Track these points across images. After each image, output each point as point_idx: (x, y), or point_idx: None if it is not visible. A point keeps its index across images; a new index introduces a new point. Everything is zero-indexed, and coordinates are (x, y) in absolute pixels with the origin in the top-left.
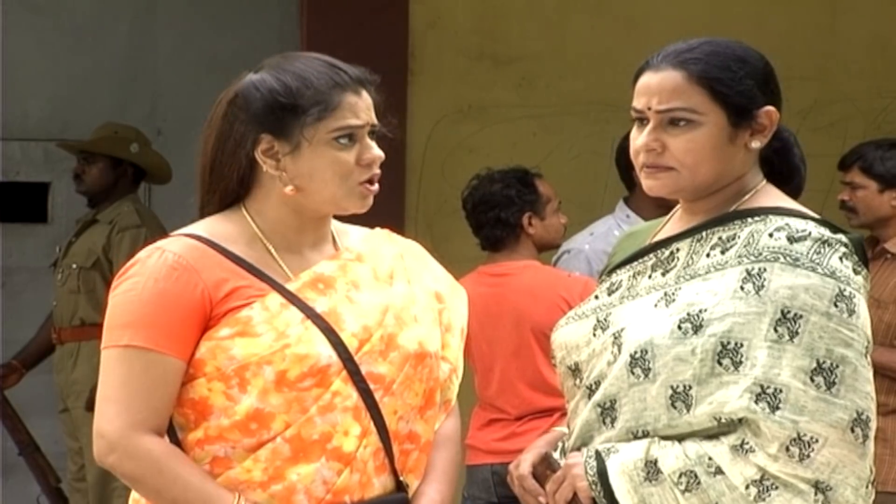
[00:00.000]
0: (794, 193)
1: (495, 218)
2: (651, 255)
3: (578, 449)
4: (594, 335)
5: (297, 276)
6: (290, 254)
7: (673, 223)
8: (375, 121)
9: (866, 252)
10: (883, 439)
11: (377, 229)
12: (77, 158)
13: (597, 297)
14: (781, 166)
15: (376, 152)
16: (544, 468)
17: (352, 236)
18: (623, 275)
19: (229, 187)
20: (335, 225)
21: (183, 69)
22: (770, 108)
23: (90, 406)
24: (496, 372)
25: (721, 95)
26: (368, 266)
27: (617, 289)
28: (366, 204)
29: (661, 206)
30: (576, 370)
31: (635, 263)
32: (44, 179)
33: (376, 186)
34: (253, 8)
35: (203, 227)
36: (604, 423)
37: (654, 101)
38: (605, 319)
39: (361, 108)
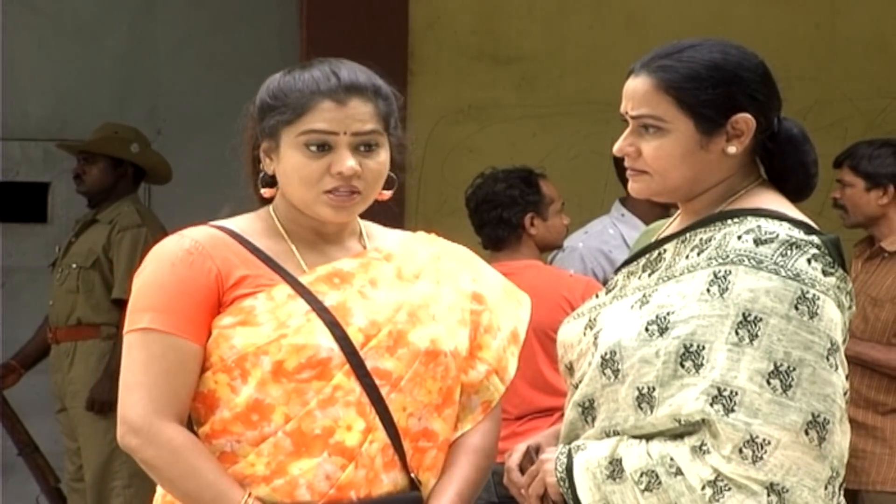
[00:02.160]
0: (793, 195)
1: (497, 217)
2: (645, 256)
3: None
4: (584, 335)
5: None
6: (312, 251)
7: (674, 224)
8: (365, 129)
9: (842, 252)
10: (882, 439)
11: (420, 232)
12: (77, 159)
13: (597, 296)
14: (773, 170)
15: (348, 164)
16: (527, 461)
17: (387, 238)
18: (620, 274)
19: (253, 184)
20: (369, 227)
21: (183, 69)
22: (744, 115)
23: (89, 406)
24: None
25: (686, 105)
26: (394, 265)
27: (612, 288)
28: (336, 214)
29: (656, 206)
30: (570, 369)
31: (633, 264)
32: (44, 179)
33: (350, 197)
34: (253, 8)
35: (233, 221)
36: (586, 421)
37: (630, 107)
38: (594, 319)
39: (340, 116)
